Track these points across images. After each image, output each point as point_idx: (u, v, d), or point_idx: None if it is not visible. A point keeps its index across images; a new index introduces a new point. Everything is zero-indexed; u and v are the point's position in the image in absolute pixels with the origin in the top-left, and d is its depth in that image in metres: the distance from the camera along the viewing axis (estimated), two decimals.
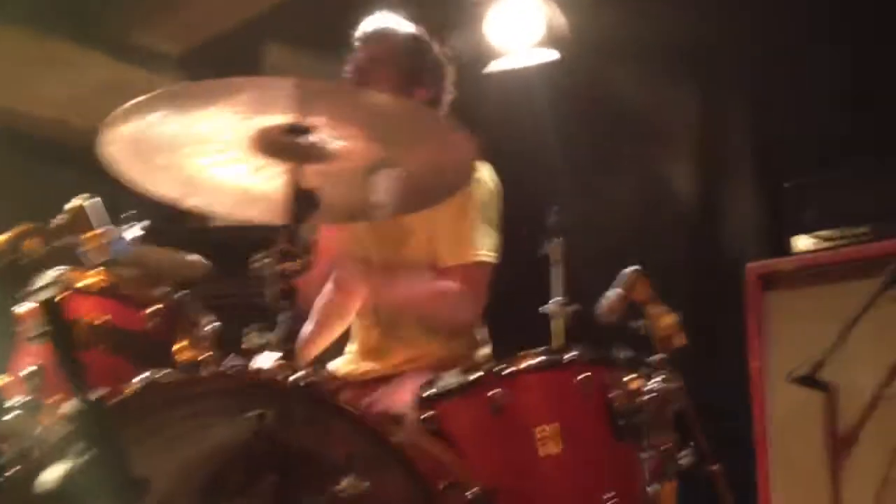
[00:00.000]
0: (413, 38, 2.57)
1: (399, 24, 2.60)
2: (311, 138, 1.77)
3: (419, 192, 1.99)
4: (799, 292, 2.78)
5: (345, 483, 1.47)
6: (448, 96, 2.60)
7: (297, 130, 1.76)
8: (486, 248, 2.43)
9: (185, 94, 1.70)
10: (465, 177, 2.14)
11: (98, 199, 1.96)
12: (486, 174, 2.54)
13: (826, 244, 2.84)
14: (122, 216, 2.06)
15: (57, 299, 1.22)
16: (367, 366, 2.56)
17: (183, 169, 1.82)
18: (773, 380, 2.73)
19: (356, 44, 2.59)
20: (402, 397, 2.25)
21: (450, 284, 2.41)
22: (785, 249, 2.89)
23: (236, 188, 1.89)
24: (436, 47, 2.60)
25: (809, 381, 2.57)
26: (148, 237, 2.22)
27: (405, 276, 2.45)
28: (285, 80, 1.65)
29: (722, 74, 3.66)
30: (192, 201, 1.91)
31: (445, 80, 2.60)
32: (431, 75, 2.57)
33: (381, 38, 2.57)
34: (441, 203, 2.42)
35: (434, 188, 2.04)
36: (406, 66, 2.52)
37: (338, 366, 2.62)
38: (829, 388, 2.60)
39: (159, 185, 1.84)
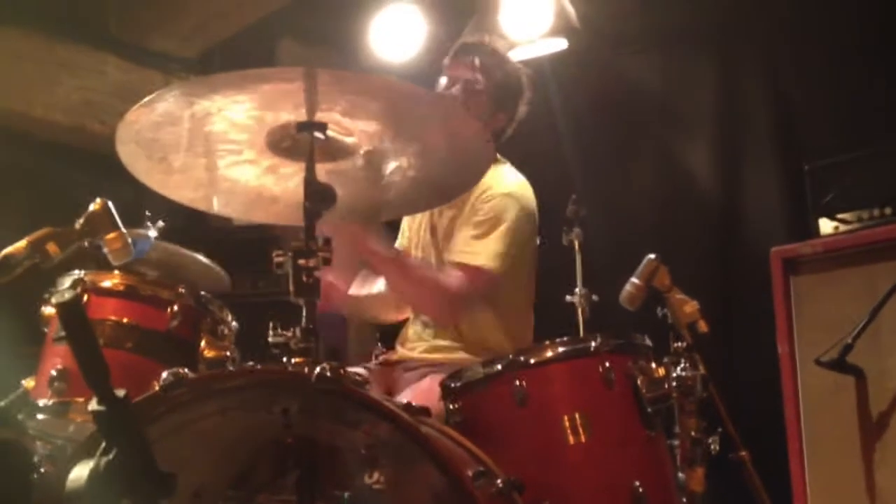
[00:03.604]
0: (510, 70, 2.64)
1: (498, 49, 2.67)
2: (326, 134, 1.76)
3: (437, 186, 1.98)
4: (824, 275, 2.75)
5: (372, 476, 1.47)
6: (518, 118, 2.67)
7: (310, 127, 1.75)
8: (497, 258, 2.42)
9: (198, 87, 1.68)
10: (482, 167, 2.14)
11: (110, 204, 1.97)
12: (527, 193, 2.57)
13: (849, 226, 2.81)
14: (143, 217, 2.07)
15: (75, 301, 1.21)
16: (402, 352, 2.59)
17: (197, 170, 1.82)
18: (801, 364, 2.71)
19: (456, 55, 2.63)
20: (428, 390, 2.25)
21: (451, 280, 2.40)
22: (809, 233, 2.86)
23: (250, 190, 1.89)
24: (522, 71, 2.68)
25: (839, 364, 2.54)
26: (171, 237, 2.23)
27: (417, 261, 2.48)
28: (296, 70, 1.64)
29: (739, 58, 3.62)
30: (208, 204, 1.90)
31: (520, 105, 2.66)
32: (513, 101, 2.64)
33: (487, 64, 2.60)
34: (460, 195, 2.47)
35: (452, 181, 2.02)
36: (495, 96, 2.58)
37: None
38: (859, 371, 2.57)
39: (175, 188, 1.84)
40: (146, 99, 1.62)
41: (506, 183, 2.54)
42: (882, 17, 3.22)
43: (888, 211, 2.77)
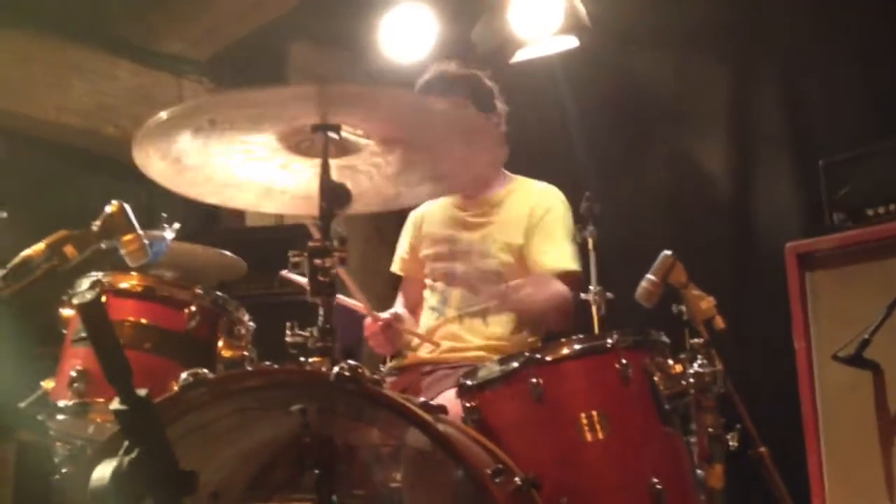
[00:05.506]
0: (477, 88, 2.73)
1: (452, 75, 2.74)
2: (339, 135, 1.77)
3: (448, 180, 2.00)
4: (839, 270, 2.74)
5: (390, 474, 1.47)
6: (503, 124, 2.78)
7: (324, 128, 1.76)
8: (576, 259, 2.66)
9: (211, 106, 1.70)
10: (492, 171, 2.18)
11: (127, 206, 1.98)
12: (562, 197, 2.74)
13: (865, 221, 2.80)
14: (158, 219, 2.08)
15: (97, 301, 1.22)
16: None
17: (209, 167, 1.83)
18: (818, 359, 2.69)
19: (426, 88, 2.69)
20: (446, 389, 2.26)
21: (562, 287, 2.57)
22: (824, 228, 2.85)
23: (262, 183, 1.90)
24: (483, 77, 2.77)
25: (856, 360, 2.53)
26: (184, 239, 2.25)
27: (528, 282, 2.59)
28: (308, 87, 1.65)
29: (752, 53, 3.60)
30: (218, 198, 1.91)
31: (498, 106, 2.77)
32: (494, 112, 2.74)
33: (448, 84, 2.68)
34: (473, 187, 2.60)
35: (463, 181, 2.05)
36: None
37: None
38: (876, 366, 2.56)
39: (185, 183, 1.84)
40: (155, 120, 1.63)
41: (549, 191, 2.74)
42: None
43: None
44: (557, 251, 2.62)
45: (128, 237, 1.91)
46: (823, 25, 3.35)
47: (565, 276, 2.60)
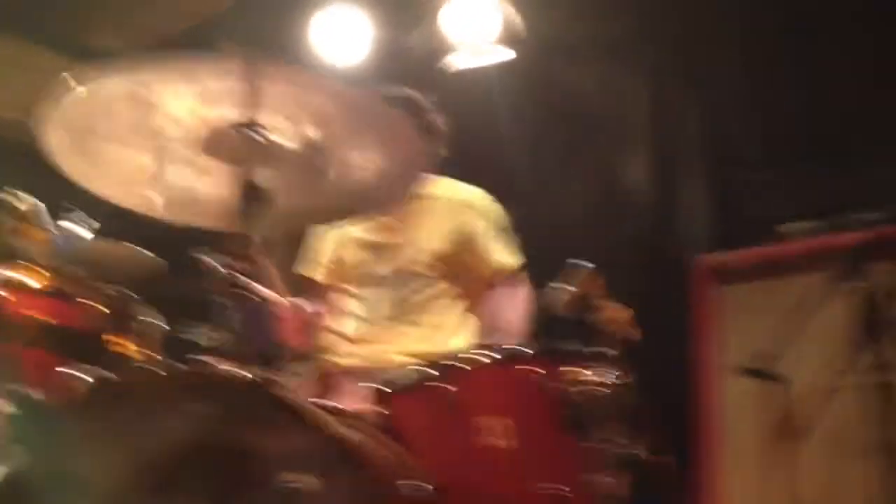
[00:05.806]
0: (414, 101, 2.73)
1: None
2: (262, 135, 1.75)
3: (372, 193, 1.98)
4: (750, 286, 2.81)
5: (289, 479, 1.46)
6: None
7: (248, 127, 1.74)
8: (518, 255, 2.73)
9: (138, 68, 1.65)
10: (417, 175, 2.20)
11: (41, 203, 1.94)
12: (488, 197, 2.79)
13: (780, 238, 2.87)
14: (67, 214, 2.03)
15: None
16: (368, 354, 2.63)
17: (128, 165, 1.80)
18: (724, 373, 2.75)
19: None
20: (356, 395, 2.26)
21: (524, 291, 2.67)
22: (740, 243, 2.92)
23: (179, 189, 1.86)
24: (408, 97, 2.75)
25: (760, 373, 2.60)
26: (98, 233, 2.20)
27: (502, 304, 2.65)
28: (234, 58, 1.62)
29: (674, 70, 3.68)
30: (134, 201, 1.88)
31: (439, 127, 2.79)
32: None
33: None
34: (393, 205, 2.57)
35: (386, 188, 2.03)
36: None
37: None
38: (780, 380, 2.63)
39: (102, 183, 1.81)
40: (76, 86, 1.58)
41: (474, 194, 2.78)
42: (819, 31, 3.27)
43: (819, 223, 2.83)
44: (503, 250, 2.69)
45: (34, 233, 1.87)
46: (745, 43, 3.42)
47: (518, 271, 2.68)
